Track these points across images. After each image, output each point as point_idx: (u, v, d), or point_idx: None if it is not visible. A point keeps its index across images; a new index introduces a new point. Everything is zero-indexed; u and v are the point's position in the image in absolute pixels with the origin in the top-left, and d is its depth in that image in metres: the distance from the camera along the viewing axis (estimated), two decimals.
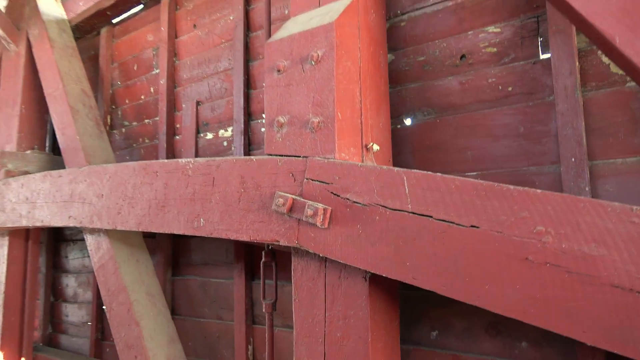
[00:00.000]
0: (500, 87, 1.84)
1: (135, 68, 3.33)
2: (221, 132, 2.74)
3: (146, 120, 3.20)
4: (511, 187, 1.18)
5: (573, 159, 1.62)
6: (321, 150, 1.56)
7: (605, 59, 1.64)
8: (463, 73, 1.93)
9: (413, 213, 1.33)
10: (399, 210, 1.35)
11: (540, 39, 1.77)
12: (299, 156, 1.60)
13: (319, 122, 1.56)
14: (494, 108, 1.85)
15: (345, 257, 1.46)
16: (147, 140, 3.19)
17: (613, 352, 1.04)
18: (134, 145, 3.27)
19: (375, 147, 1.65)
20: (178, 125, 2.99)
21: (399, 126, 2.05)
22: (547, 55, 1.75)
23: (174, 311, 2.86)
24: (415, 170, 1.34)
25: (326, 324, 1.62)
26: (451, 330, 1.87)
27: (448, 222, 1.27)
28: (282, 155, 1.65)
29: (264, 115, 2.57)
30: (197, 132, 2.86)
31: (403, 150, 2.02)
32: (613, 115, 1.61)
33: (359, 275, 1.56)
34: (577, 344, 1.57)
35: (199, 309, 2.75)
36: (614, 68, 1.62)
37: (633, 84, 1.58)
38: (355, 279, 1.57)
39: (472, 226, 1.23)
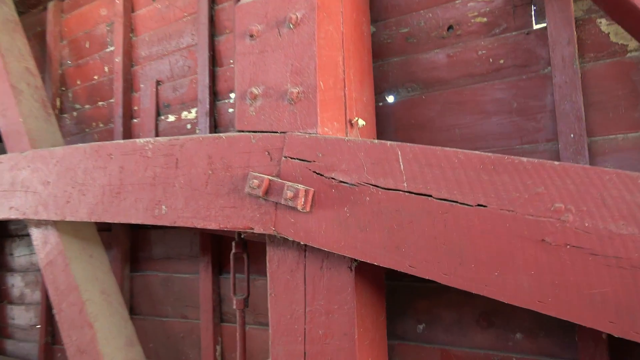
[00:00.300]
0: (491, 60, 1.70)
1: (87, 45, 3.04)
2: (184, 114, 2.51)
3: (100, 103, 2.93)
4: (524, 159, 1.04)
5: (572, 135, 1.50)
6: (301, 125, 1.37)
7: (604, 28, 1.52)
8: (450, 45, 1.78)
9: (409, 192, 1.17)
10: (393, 189, 1.19)
11: (534, 8, 1.64)
12: (276, 132, 1.42)
13: (298, 92, 1.38)
14: (484, 82, 1.71)
15: (331, 245, 1.29)
16: (101, 125, 2.92)
17: (618, 341, 0.91)
18: (87, 130, 2.99)
19: (361, 122, 1.48)
20: (136, 108, 2.74)
21: (380, 104, 1.89)
22: (541, 25, 1.62)
23: (133, 310, 2.62)
24: (412, 144, 1.18)
25: (307, 320, 1.45)
26: (439, 322, 1.73)
27: (450, 201, 1.11)
28: (256, 132, 1.46)
29: (231, 95, 2.36)
30: (157, 114, 2.62)
31: (386, 130, 1.86)
32: (613, 87, 1.50)
33: (343, 265, 1.40)
34: (578, 334, 1.46)
35: (161, 307, 2.53)
36: (614, 37, 1.51)
37: (635, 53, 1.47)
38: (340, 269, 1.40)
39: (478, 205, 1.07)
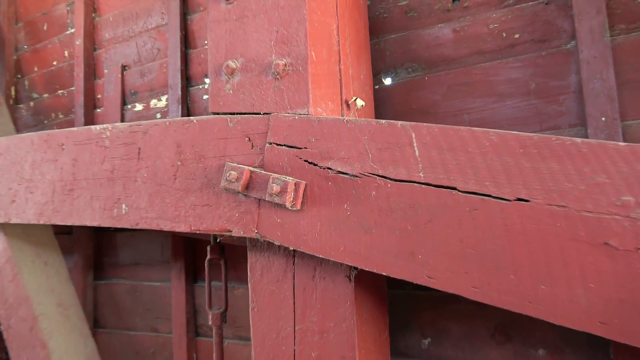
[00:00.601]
0: (504, 35, 1.49)
1: (45, 28, 2.73)
2: (153, 101, 2.24)
3: (60, 91, 2.63)
4: (578, 140, 0.81)
5: (603, 119, 1.29)
6: (289, 104, 1.13)
7: None
8: (457, 19, 1.56)
9: (427, 184, 0.93)
10: (406, 181, 0.95)
11: None
12: (258, 113, 1.17)
13: (285, 65, 1.13)
14: (496, 60, 1.50)
15: (327, 250, 1.05)
16: (61, 115, 2.62)
17: None
18: (45, 121, 2.69)
19: (360, 102, 1.25)
20: (99, 96, 2.45)
21: (376, 86, 1.65)
22: None
23: (97, 323, 2.34)
24: (429, 124, 0.94)
25: (296, 341, 1.20)
26: (447, 336, 1.51)
27: (481, 195, 0.88)
28: (234, 114, 1.21)
29: (206, 81, 2.10)
30: (123, 103, 2.34)
31: (382, 116, 1.63)
32: None
33: (340, 273, 1.16)
34: (613, 350, 1.25)
35: (128, 319, 2.25)
36: None
37: None
38: (336, 278, 1.17)
39: (518, 200, 0.85)
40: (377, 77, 1.66)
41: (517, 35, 1.47)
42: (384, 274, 0.98)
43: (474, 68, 1.53)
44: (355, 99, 1.24)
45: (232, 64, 1.20)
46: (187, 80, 2.15)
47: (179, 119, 1.28)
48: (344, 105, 1.24)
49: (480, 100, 1.50)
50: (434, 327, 1.52)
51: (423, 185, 0.94)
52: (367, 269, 1.00)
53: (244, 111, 1.19)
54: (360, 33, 1.44)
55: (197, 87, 2.12)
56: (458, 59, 1.55)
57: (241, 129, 1.17)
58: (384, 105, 1.65)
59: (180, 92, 2.10)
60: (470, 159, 0.89)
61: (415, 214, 0.94)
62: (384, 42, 1.66)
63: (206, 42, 2.11)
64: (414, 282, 0.94)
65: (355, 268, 1.15)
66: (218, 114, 1.23)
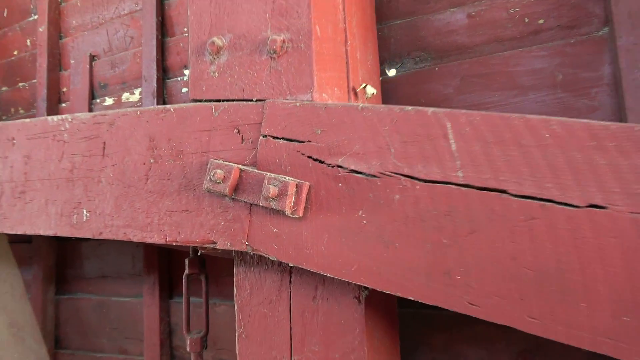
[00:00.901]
0: (526, 20, 1.32)
1: (5, 14, 2.48)
2: (125, 95, 2.01)
3: (21, 84, 2.39)
4: None
5: None
6: (288, 89, 0.92)
7: None
8: (472, 3, 1.39)
9: (468, 186, 0.74)
10: (440, 182, 0.76)
11: None
12: (251, 100, 0.96)
13: (284, 41, 0.93)
14: (518, 49, 1.33)
15: (336, 268, 0.85)
16: (21, 111, 2.37)
17: None
18: (4, 117, 2.44)
19: (371, 89, 1.06)
20: (65, 89, 2.22)
21: (380, 78, 1.46)
22: None
23: (58, 344, 2.09)
24: (468, 111, 0.75)
25: None
26: None
27: (540, 200, 0.69)
28: (220, 101, 1.00)
29: (186, 72, 1.88)
30: (92, 96, 2.11)
31: None
32: None
33: (347, 294, 0.96)
34: None
35: (94, 339, 2.01)
36: None
37: None
38: (342, 300, 0.97)
39: (591, 206, 0.66)
40: (380, 67, 1.47)
41: (541, 21, 1.30)
42: (410, 298, 0.78)
43: (492, 57, 1.35)
44: (365, 86, 1.04)
45: (218, 41, 0.99)
46: (164, 72, 1.93)
47: (152, 107, 1.07)
48: (351, 94, 1.05)
49: (499, 93, 1.33)
50: (447, 351, 1.33)
51: (462, 188, 0.74)
52: (388, 292, 0.80)
53: (232, 97, 0.98)
54: (366, 14, 1.25)
55: (174, 79, 1.90)
56: (473, 48, 1.38)
57: (228, 119, 0.97)
58: (387, 99, 1.46)
59: (155, 85, 1.87)
60: (524, 154, 0.70)
61: (452, 223, 0.74)
62: (387, 29, 1.48)
63: (186, 29, 1.90)
64: (451, 310, 0.75)
65: (367, 287, 0.95)
66: (200, 101, 1.02)
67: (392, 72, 1.47)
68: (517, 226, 0.70)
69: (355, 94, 1.06)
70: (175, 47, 1.92)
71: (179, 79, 1.90)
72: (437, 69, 1.42)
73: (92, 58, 2.13)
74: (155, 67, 1.90)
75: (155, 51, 1.91)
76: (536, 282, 0.69)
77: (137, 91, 1.98)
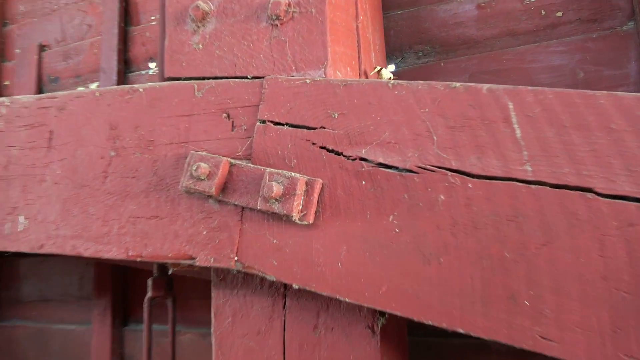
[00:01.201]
0: (543, 12, 1.21)
1: None
2: (79, 89, 1.76)
3: None
4: None
5: None
6: (294, 63, 0.74)
7: None
8: None
9: (539, 183, 0.57)
10: (501, 178, 0.59)
11: None
12: (245, 77, 0.77)
13: (289, 4, 0.74)
14: (534, 43, 1.21)
15: (358, 291, 0.66)
16: None
17: None
18: None
19: (387, 73, 0.89)
20: (7, 82, 1.95)
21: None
22: None
23: None
24: (536, 88, 0.59)
25: None
26: None
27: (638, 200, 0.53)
28: (204, 79, 0.80)
29: (151, 65, 1.67)
30: (39, 91, 1.88)
31: None
32: None
33: (358, 322, 0.78)
34: None
35: None
36: None
37: None
38: (351, 330, 0.79)
39: None
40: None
41: (559, 14, 1.19)
42: (460, 330, 0.60)
43: (505, 52, 1.23)
44: (380, 69, 0.88)
45: (203, 5, 0.80)
46: (126, 64, 1.72)
47: (115, 87, 0.87)
48: (362, 76, 0.87)
49: None
50: None
51: (532, 186, 0.57)
52: (429, 322, 0.61)
53: (220, 75, 0.78)
54: None
55: (138, 72, 1.69)
56: (483, 42, 1.25)
57: (215, 101, 0.77)
58: None
59: (115, 77, 1.65)
60: (616, 142, 0.54)
61: (519, 232, 0.57)
62: (387, 19, 1.33)
63: (152, 17, 1.69)
64: (517, 346, 0.57)
65: (383, 315, 0.76)
66: (179, 79, 0.81)
67: (391, 67, 1.31)
68: (607, 235, 0.54)
69: (367, 77, 0.89)
70: (140, 36, 1.70)
71: (143, 72, 1.68)
72: (442, 64, 1.28)
73: (42, 48, 1.88)
74: (116, 58, 1.68)
75: (117, 40, 1.69)
76: (637, 309, 0.52)
77: (93, 85, 1.75)
